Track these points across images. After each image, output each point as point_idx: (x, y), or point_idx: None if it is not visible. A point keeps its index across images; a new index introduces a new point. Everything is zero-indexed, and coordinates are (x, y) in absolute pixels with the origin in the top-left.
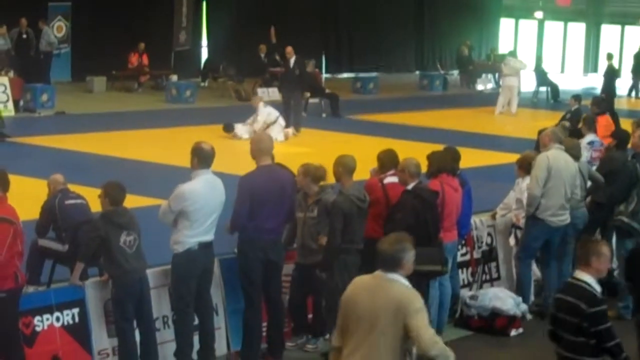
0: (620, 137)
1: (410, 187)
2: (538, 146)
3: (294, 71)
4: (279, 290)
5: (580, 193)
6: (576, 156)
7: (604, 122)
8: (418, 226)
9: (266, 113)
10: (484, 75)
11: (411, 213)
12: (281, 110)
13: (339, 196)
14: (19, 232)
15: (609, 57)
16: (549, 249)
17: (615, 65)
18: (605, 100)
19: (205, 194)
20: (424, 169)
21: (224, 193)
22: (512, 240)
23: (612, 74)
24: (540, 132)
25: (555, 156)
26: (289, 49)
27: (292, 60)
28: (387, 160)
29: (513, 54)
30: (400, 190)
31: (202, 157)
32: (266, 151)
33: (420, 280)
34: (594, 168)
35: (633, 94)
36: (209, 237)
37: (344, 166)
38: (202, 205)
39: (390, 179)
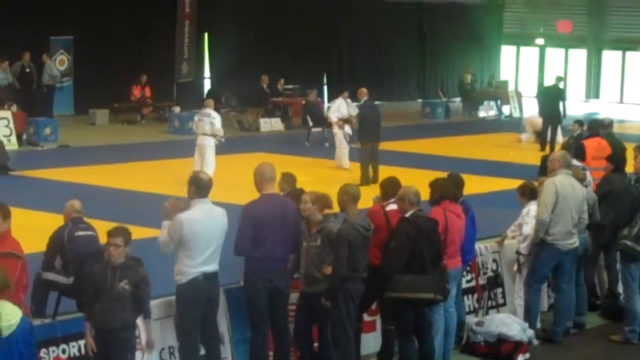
0: (616, 161)
1: (408, 214)
2: (542, 171)
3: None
4: (284, 318)
5: (587, 218)
6: (583, 180)
7: (595, 143)
8: (412, 254)
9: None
10: (486, 103)
11: (405, 241)
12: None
13: (345, 224)
14: (25, 266)
15: (559, 79)
16: (560, 274)
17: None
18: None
19: (203, 222)
20: (425, 196)
21: (226, 223)
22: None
23: (557, 96)
24: (544, 158)
25: (562, 182)
26: (363, 90)
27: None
28: (390, 188)
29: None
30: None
31: (199, 187)
32: (269, 180)
33: (415, 308)
34: None
35: None
36: (212, 267)
37: (349, 195)
38: (201, 233)
39: (393, 206)
